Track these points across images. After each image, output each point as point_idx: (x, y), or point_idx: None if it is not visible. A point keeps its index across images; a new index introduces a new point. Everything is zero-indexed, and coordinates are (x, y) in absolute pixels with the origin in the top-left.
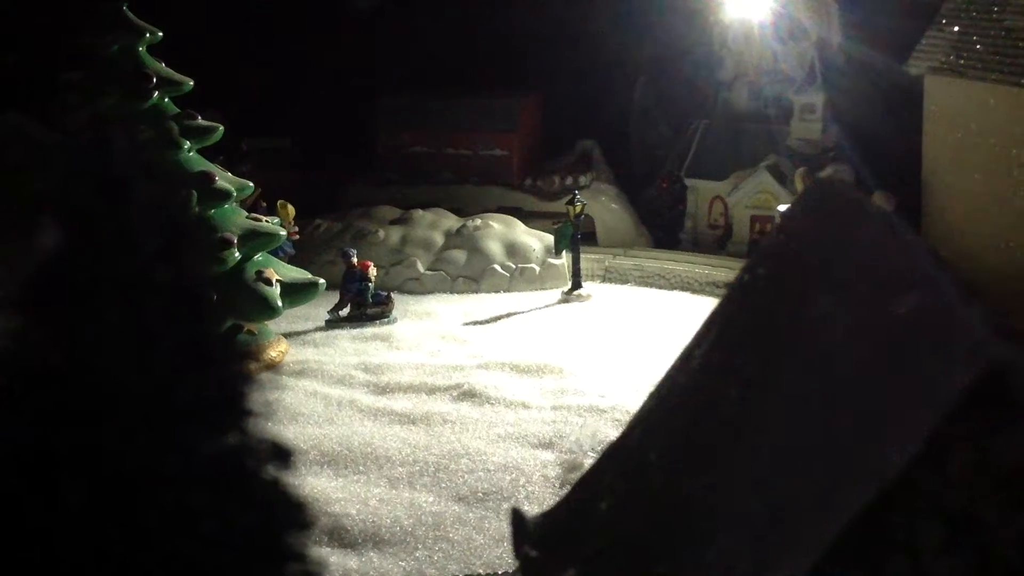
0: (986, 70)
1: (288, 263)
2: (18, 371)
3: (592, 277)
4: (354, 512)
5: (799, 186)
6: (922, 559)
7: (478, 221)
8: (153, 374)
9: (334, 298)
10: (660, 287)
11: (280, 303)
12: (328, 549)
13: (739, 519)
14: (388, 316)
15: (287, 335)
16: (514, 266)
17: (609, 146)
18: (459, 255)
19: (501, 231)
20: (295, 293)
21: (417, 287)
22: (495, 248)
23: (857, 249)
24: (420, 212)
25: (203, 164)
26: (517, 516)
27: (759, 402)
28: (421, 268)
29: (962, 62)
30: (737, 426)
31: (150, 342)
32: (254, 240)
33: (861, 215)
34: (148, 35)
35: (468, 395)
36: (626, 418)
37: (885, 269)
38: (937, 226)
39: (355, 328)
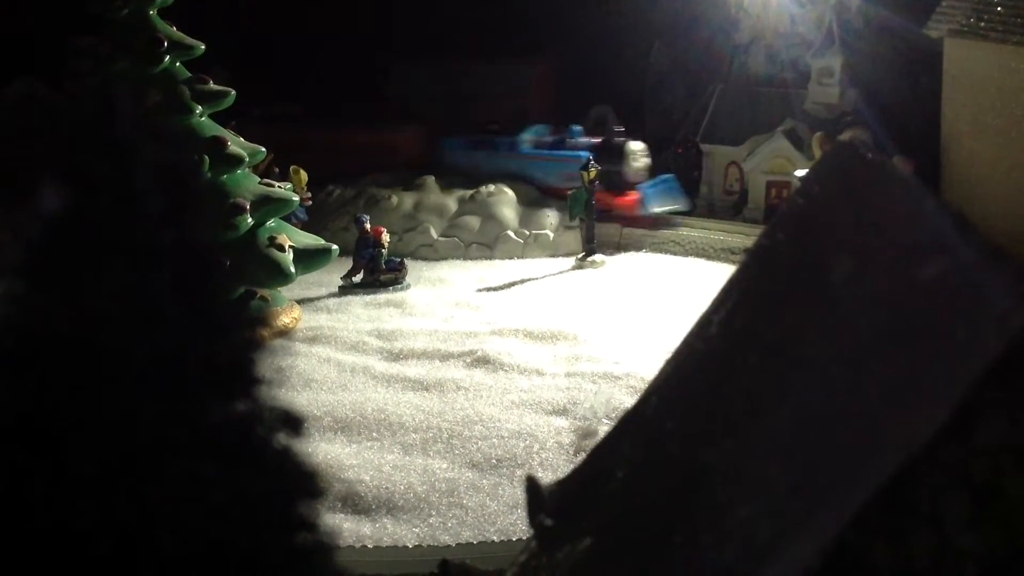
0: (1008, 32)
1: (301, 229)
2: (21, 338)
3: (606, 244)
4: (368, 479)
5: (816, 151)
6: (947, 531)
7: (492, 187)
8: (160, 340)
9: (347, 264)
10: (675, 253)
11: (293, 269)
12: (342, 516)
13: (759, 489)
14: (401, 282)
15: (300, 301)
16: (528, 232)
17: (624, 111)
18: (473, 221)
19: (515, 197)
20: (308, 259)
21: (430, 253)
22: (509, 214)
23: (879, 213)
24: (433, 178)
25: (215, 129)
26: (532, 484)
27: (780, 369)
28: (434, 234)
29: (983, 24)
30: (757, 394)
31: (157, 308)
32: (267, 206)
33: (883, 178)
34: None
35: (482, 361)
36: (641, 385)
37: (909, 233)
38: (956, 192)
39: (368, 294)
